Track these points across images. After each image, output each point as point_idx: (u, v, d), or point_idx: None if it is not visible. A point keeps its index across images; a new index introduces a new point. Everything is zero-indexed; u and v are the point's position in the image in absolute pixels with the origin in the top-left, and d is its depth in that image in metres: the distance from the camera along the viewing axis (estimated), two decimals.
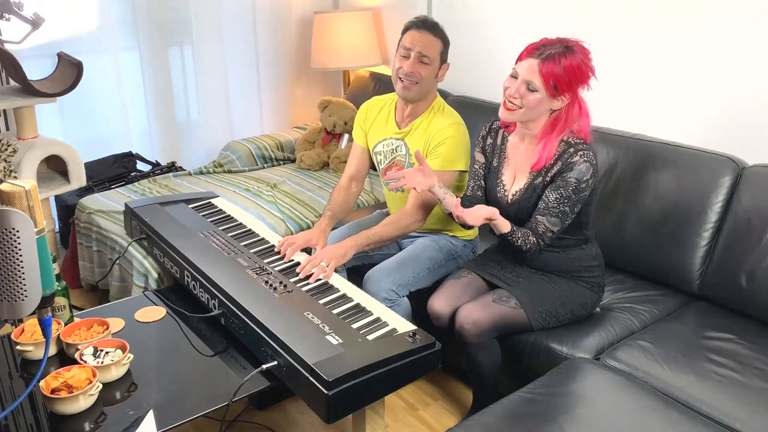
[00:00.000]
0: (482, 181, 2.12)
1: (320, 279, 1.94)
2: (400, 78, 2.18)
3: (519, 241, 1.92)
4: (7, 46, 2.61)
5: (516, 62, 1.88)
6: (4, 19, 2.30)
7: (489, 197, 2.10)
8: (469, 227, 2.13)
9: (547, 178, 1.93)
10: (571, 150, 1.89)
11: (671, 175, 2.24)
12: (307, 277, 1.93)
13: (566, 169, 1.88)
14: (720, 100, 2.30)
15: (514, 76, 1.88)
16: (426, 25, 2.16)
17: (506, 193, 2.03)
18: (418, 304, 2.18)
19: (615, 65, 2.57)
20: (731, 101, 2.27)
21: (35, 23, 2.33)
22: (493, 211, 1.88)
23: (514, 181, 2.02)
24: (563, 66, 1.80)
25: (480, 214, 1.88)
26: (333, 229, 2.34)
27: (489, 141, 2.10)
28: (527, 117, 1.90)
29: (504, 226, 1.91)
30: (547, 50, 1.81)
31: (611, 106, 2.60)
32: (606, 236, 2.35)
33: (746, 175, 2.13)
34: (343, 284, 1.93)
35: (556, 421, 1.60)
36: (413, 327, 1.70)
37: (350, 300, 1.84)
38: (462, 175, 2.23)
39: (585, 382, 1.76)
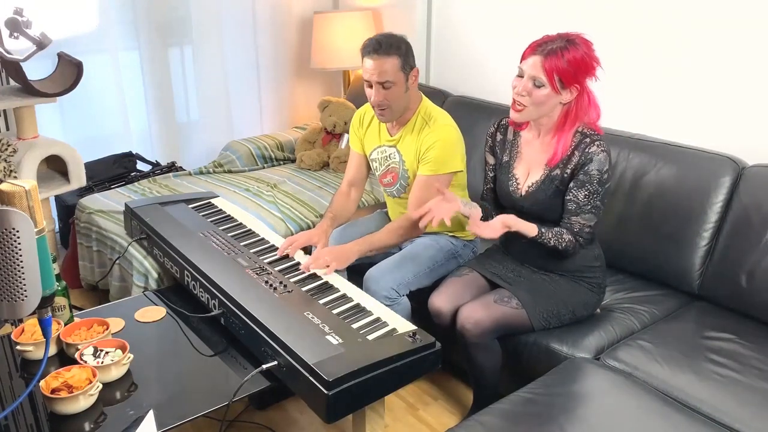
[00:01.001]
0: (492, 183, 2.14)
1: (321, 279, 1.94)
2: (372, 107, 2.21)
3: (552, 242, 1.91)
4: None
5: (520, 61, 1.89)
6: (13, 37, 2.35)
7: (500, 192, 2.11)
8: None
9: (567, 171, 1.92)
10: (587, 140, 1.90)
11: (671, 175, 2.24)
12: (311, 275, 1.94)
13: (586, 161, 1.88)
14: (720, 100, 2.30)
15: (520, 75, 1.89)
16: (376, 49, 2.10)
17: (519, 188, 2.02)
18: (418, 304, 2.18)
19: (615, 65, 2.57)
20: (731, 101, 2.27)
21: (41, 44, 2.39)
22: (509, 219, 1.88)
23: (528, 176, 2.02)
24: (567, 59, 1.81)
25: (496, 226, 1.88)
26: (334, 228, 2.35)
27: (498, 137, 2.10)
28: (537, 114, 1.91)
29: (530, 230, 1.90)
30: (549, 46, 1.83)
31: (611, 106, 2.58)
32: (606, 236, 2.35)
33: (746, 175, 2.13)
34: (343, 284, 1.93)
35: (557, 421, 1.60)
36: (413, 327, 1.70)
37: (350, 300, 1.84)
38: (458, 176, 2.24)
39: (585, 382, 1.76)
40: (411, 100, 2.21)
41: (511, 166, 2.06)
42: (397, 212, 2.39)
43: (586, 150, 1.88)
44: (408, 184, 2.27)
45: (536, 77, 1.84)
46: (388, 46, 2.09)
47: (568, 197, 1.92)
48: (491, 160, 2.13)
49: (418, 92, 2.26)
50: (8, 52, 2.41)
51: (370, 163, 2.41)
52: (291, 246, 2.09)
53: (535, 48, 1.85)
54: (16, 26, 2.32)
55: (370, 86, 2.14)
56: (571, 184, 1.91)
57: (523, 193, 2.01)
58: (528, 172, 2.02)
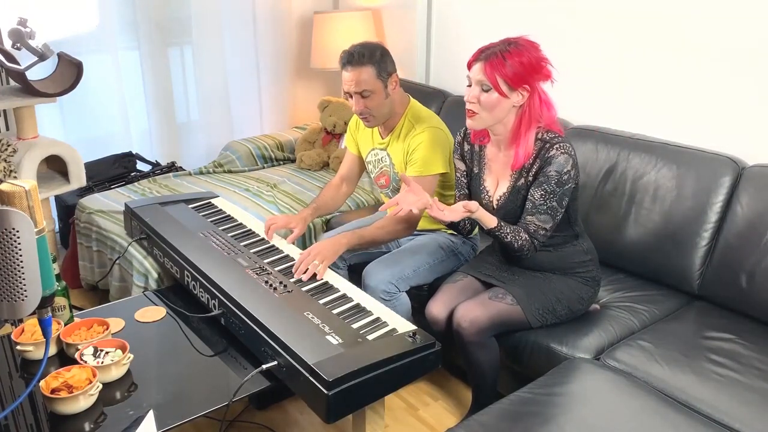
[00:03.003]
0: (466, 189, 2.14)
1: (321, 279, 1.94)
2: (358, 115, 2.24)
3: (509, 237, 1.92)
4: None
5: (468, 70, 1.90)
6: (16, 48, 2.37)
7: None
8: (463, 233, 2.15)
9: (530, 178, 1.93)
10: (547, 146, 1.90)
11: (671, 175, 2.24)
12: (305, 273, 1.94)
13: (545, 165, 1.89)
14: (720, 100, 2.30)
15: (469, 85, 1.90)
16: (351, 61, 2.13)
17: (491, 199, 2.03)
18: (418, 304, 2.19)
19: (615, 66, 2.57)
20: (731, 101, 2.27)
21: (43, 56, 2.40)
22: (472, 204, 1.87)
23: (497, 187, 2.03)
24: (509, 62, 1.82)
25: (458, 209, 1.88)
26: (331, 228, 2.35)
27: (466, 147, 2.11)
28: (492, 119, 1.91)
29: (489, 220, 1.91)
30: (490, 50, 1.85)
31: (611, 106, 2.60)
32: (606, 236, 2.35)
33: (746, 175, 2.13)
34: (343, 284, 1.93)
35: (556, 421, 1.60)
36: (413, 327, 1.70)
37: (350, 300, 1.84)
38: (443, 177, 2.24)
39: (585, 382, 1.76)
40: (395, 104, 2.23)
41: (481, 178, 2.07)
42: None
43: (546, 156, 1.89)
44: (399, 187, 2.27)
45: (482, 82, 1.85)
46: (360, 56, 2.11)
47: (527, 198, 1.93)
48: (462, 166, 2.14)
49: (405, 95, 2.28)
50: (10, 59, 2.42)
51: (366, 165, 2.43)
52: (269, 229, 2.17)
53: (477, 55, 1.87)
54: (19, 37, 2.34)
55: (351, 97, 2.18)
56: (531, 186, 1.93)
57: (495, 206, 2.02)
58: (497, 184, 2.03)
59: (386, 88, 2.17)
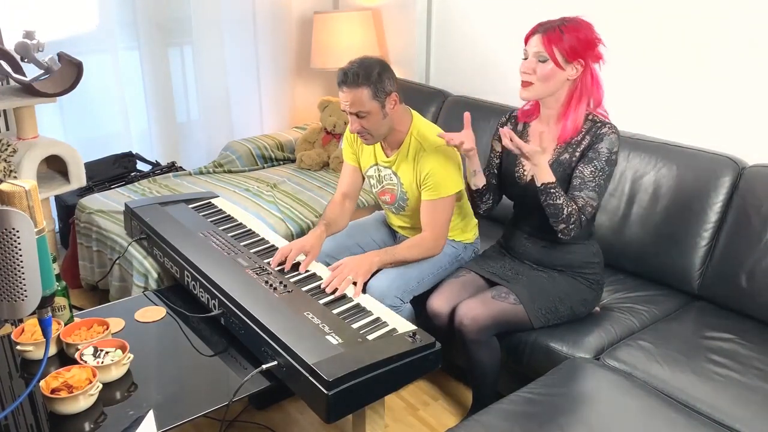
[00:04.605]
0: (495, 170, 2.14)
1: (320, 279, 1.94)
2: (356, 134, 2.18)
3: (560, 199, 1.87)
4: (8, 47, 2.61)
5: (525, 45, 1.93)
6: (25, 61, 2.41)
7: (505, 179, 2.11)
8: (482, 198, 2.14)
9: (576, 154, 1.94)
10: (599, 124, 1.93)
11: (671, 176, 2.25)
12: (311, 275, 1.94)
13: (596, 141, 1.91)
14: (720, 100, 2.30)
15: (525, 58, 1.93)
16: (346, 81, 2.03)
17: (525, 173, 2.03)
18: (419, 304, 2.18)
19: (615, 65, 2.57)
20: (731, 101, 2.27)
21: (49, 69, 2.43)
22: (538, 150, 1.84)
23: None
24: (567, 35, 1.87)
25: (534, 147, 1.85)
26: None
27: (509, 128, 2.09)
28: (545, 90, 1.92)
29: (548, 174, 1.88)
30: (548, 24, 1.90)
31: (612, 106, 2.59)
32: (606, 236, 2.35)
33: (746, 175, 2.13)
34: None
35: (557, 421, 1.60)
36: (413, 327, 1.70)
37: (350, 300, 1.84)
38: (460, 194, 2.21)
39: (585, 382, 1.76)
40: (397, 121, 2.15)
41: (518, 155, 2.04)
42: (396, 222, 2.37)
43: (597, 132, 1.92)
44: (406, 205, 2.24)
45: (539, 53, 1.88)
46: (356, 76, 2.01)
47: (574, 175, 1.93)
48: (498, 147, 2.14)
49: (406, 110, 2.19)
50: (12, 64, 2.44)
51: (367, 179, 2.36)
52: (286, 259, 2.01)
53: (536, 28, 1.92)
54: (26, 51, 2.36)
55: (348, 115, 2.11)
56: (579, 164, 1.93)
57: (528, 179, 2.01)
58: None
59: (384, 108, 2.07)
